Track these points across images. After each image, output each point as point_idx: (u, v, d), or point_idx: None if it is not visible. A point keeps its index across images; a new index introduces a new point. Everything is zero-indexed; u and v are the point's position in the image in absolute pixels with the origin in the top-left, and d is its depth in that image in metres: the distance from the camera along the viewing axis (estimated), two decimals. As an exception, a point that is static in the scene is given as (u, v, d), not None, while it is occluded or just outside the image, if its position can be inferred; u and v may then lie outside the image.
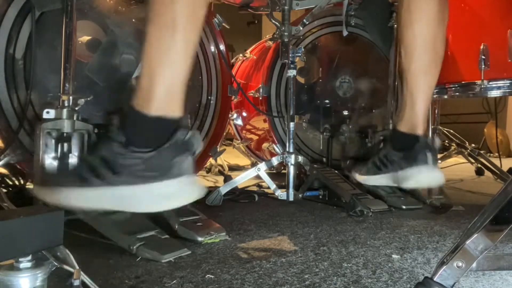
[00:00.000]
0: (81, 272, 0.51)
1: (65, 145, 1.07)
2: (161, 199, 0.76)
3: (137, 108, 0.79)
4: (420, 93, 1.23)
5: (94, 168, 0.77)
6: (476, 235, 0.48)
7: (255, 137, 2.02)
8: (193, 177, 0.79)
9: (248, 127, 2.02)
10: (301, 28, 1.49)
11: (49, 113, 1.05)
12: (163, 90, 0.79)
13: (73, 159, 1.15)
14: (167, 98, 0.79)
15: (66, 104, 1.06)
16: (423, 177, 1.18)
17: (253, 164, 2.07)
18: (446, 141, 2.29)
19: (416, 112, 1.23)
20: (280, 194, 1.40)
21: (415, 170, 1.19)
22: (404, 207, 1.30)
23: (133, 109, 0.79)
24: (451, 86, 1.51)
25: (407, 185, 1.22)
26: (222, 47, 1.54)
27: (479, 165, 2.24)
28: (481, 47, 1.37)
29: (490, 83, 1.39)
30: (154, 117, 0.78)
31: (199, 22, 0.80)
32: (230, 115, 1.94)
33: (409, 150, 1.21)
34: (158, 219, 0.92)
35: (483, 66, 1.36)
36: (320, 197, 1.48)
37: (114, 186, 0.75)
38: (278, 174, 1.90)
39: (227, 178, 1.66)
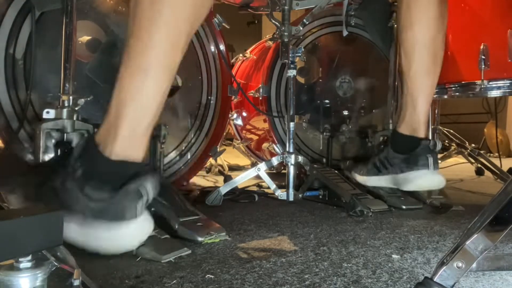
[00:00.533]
0: (81, 272, 0.51)
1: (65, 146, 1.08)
2: (106, 241, 0.75)
3: (99, 147, 0.78)
4: (420, 95, 1.23)
5: (46, 200, 0.76)
6: (476, 235, 0.48)
7: (255, 137, 2.02)
8: (142, 217, 0.77)
9: (248, 127, 2.03)
10: (301, 28, 1.49)
11: (49, 113, 1.05)
12: (128, 133, 0.77)
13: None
14: (131, 142, 0.77)
15: (66, 104, 1.06)
16: (423, 181, 1.19)
17: (253, 164, 2.07)
18: (446, 141, 2.29)
19: (417, 113, 1.23)
20: (280, 194, 1.40)
21: (415, 174, 1.19)
22: (404, 207, 1.30)
23: (94, 146, 0.78)
24: (451, 86, 1.51)
25: (407, 188, 1.23)
26: (222, 47, 1.54)
27: (479, 165, 2.24)
28: (481, 47, 1.37)
29: (490, 83, 1.39)
30: (114, 161, 0.76)
31: (173, 71, 0.79)
32: (230, 115, 1.94)
33: (410, 153, 1.21)
34: (158, 219, 0.92)
35: (483, 66, 1.36)
36: (320, 197, 1.48)
37: (67, 220, 0.73)
38: (278, 174, 1.90)
39: (227, 178, 1.66)
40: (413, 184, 1.21)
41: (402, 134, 1.26)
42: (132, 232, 0.77)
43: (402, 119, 1.28)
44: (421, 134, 1.23)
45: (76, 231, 0.74)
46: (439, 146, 1.22)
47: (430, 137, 1.78)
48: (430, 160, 1.18)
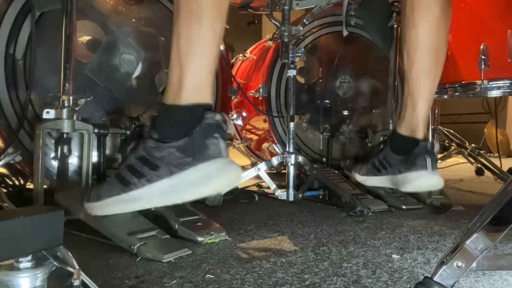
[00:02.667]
0: (81, 272, 0.51)
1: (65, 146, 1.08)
2: (202, 183, 0.76)
3: (168, 102, 0.80)
4: (421, 96, 1.23)
5: (134, 169, 0.78)
6: (476, 235, 0.48)
7: (255, 137, 2.02)
8: (229, 159, 0.79)
9: (248, 127, 2.03)
10: (301, 28, 1.49)
11: (49, 113, 1.05)
12: (193, 79, 0.80)
13: (73, 159, 1.16)
14: (197, 87, 0.80)
15: (66, 104, 1.06)
16: (422, 182, 1.19)
17: (253, 164, 2.07)
18: (446, 141, 2.29)
19: (417, 114, 1.23)
20: (280, 194, 1.40)
21: (414, 175, 1.19)
22: (404, 207, 1.30)
23: (164, 104, 0.81)
24: (451, 86, 1.51)
25: (406, 189, 1.23)
26: (222, 47, 1.54)
27: (479, 165, 2.24)
28: (481, 47, 1.37)
29: (490, 83, 1.39)
30: (185, 106, 0.79)
31: (224, 11, 0.82)
32: (230, 115, 1.95)
33: (409, 154, 1.21)
34: (158, 219, 0.92)
35: (483, 66, 1.36)
36: (320, 197, 1.48)
37: (156, 181, 0.76)
38: (278, 174, 1.90)
39: (227, 178, 1.65)
40: (411, 185, 1.21)
41: (401, 135, 1.26)
42: (220, 169, 0.77)
43: (401, 119, 1.28)
44: (419, 135, 1.23)
45: (168, 189, 0.76)
46: (437, 147, 1.22)
47: (430, 137, 1.79)
48: (429, 160, 1.18)
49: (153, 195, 0.77)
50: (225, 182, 0.78)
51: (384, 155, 1.31)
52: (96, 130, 1.14)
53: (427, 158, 1.18)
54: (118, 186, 0.78)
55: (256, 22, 5.77)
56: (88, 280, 0.54)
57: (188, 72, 0.80)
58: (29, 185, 1.27)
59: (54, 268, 0.51)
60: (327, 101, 1.80)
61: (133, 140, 0.84)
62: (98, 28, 1.29)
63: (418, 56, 1.23)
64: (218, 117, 0.78)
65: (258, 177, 1.42)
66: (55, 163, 1.11)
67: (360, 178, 1.39)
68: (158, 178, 0.76)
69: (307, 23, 1.55)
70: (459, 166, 2.51)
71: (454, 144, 2.27)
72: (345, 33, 1.70)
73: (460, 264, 0.48)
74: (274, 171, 1.93)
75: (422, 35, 1.21)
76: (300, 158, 1.43)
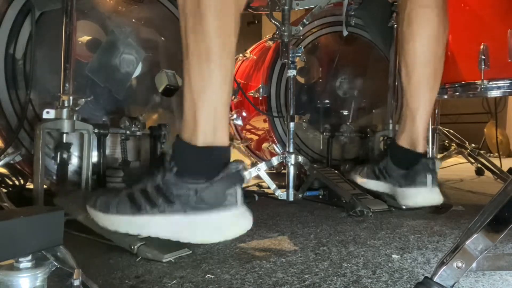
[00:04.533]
0: (81, 272, 0.51)
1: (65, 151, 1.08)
2: (212, 230, 0.78)
3: (185, 139, 0.81)
4: (420, 108, 1.24)
5: (149, 196, 0.78)
6: (476, 235, 0.48)
7: (255, 137, 2.02)
8: (244, 208, 0.80)
9: (248, 127, 2.02)
10: (301, 28, 1.49)
11: (49, 113, 1.05)
12: (208, 120, 0.80)
13: (73, 159, 1.16)
14: (212, 128, 0.80)
15: (66, 104, 1.07)
16: (421, 199, 1.21)
17: (253, 164, 2.07)
18: (446, 141, 2.29)
19: (416, 127, 1.24)
20: (280, 194, 1.40)
21: (413, 191, 1.21)
22: (404, 207, 1.30)
23: (181, 141, 0.81)
24: (451, 86, 1.51)
25: (405, 204, 1.25)
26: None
27: (479, 165, 2.24)
28: (481, 47, 1.37)
29: (490, 83, 1.39)
30: (202, 148, 0.79)
31: (232, 51, 0.82)
32: (230, 115, 1.95)
33: (409, 169, 1.22)
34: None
35: (483, 66, 1.36)
36: (320, 197, 1.48)
37: (168, 215, 0.77)
38: (278, 174, 1.90)
39: (227, 178, 1.65)
40: (410, 201, 1.23)
41: (402, 147, 1.27)
42: (232, 220, 0.78)
43: (401, 131, 1.29)
44: (420, 148, 1.24)
45: (178, 226, 0.77)
46: (438, 165, 1.23)
47: (430, 137, 1.79)
48: (429, 178, 1.19)
49: (161, 226, 0.78)
50: (234, 233, 0.80)
51: (384, 165, 1.32)
52: (96, 130, 1.15)
53: (427, 175, 1.19)
54: (128, 206, 0.79)
55: (256, 22, 5.77)
56: (88, 280, 0.54)
57: (202, 112, 0.80)
58: (29, 185, 1.27)
59: (54, 268, 0.51)
60: (327, 101, 1.80)
61: (154, 164, 0.84)
62: (98, 28, 1.29)
63: (417, 70, 1.23)
64: (240, 166, 0.79)
65: (258, 177, 1.42)
66: (55, 164, 1.11)
67: (360, 180, 1.40)
68: (171, 212, 0.77)
69: (307, 23, 1.55)
70: (459, 166, 2.51)
71: (454, 144, 2.27)
72: (345, 33, 1.71)
73: (460, 264, 0.48)
74: (274, 171, 1.93)
75: (420, 49, 1.22)
76: (300, 158, 1.43)
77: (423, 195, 1.20)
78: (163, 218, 0.77)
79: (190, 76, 0.81)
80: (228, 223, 0.78)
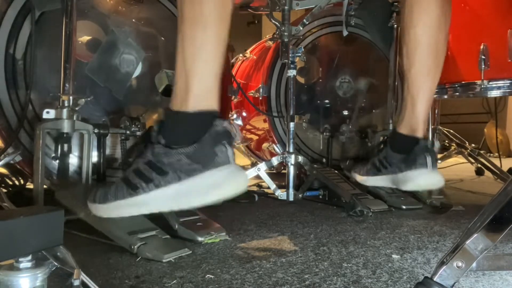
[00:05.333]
0: (81, 272, 0.51)
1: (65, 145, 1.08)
2: (210, 189, 0.77)
3: (175, 108, 0.81)
4: (420, 95, 1.23)
5: (142, 173, 0.78)
6: (476, 235, 0.48)
7: (255, 137, 2.02)
8: (237, 166, 0.80)
9: (248, 127, 2.02)
10: (301, 28, 1.49)
11: (49, 113, 1.05)
12: (200, 85, 0.80)
13: (73, 159, 1.16)
14: (204, 93, 0.81)
15: (66, 104, 1.07)
16: (422, 180, 1.19)
17: (253, 164, 2.07)
18: (446, 141, 2.29)
19: (417, 114, 1.23)
20: (280, 194, 1.40)
21: (414, 173, 1.19)
22: (404, 207, 1.30)
23: (171, 111, 0.81)
24: (451, 86, 1.51)
25: (406, 187, 1.23)
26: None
27: (479, 165, 2.24)
28: (481, 47, 1.37)
29: (490, 83, 1.39)
30: (193, 112, 0.79)
31: (227, 17, 0.82)
32: (230, 115, 1.94)
33: (409, 153, 1.21)
34: (158, 219, 0.92)
35: (483, 66, 1.36)
36: (320, 197, 1.48)
37: (164, 186, 0.77)
38: (278, 174, 1.90)
39: (227, 178, 1.65)
40: (412, 183, 1.21)
41: (401, 134, 1.26)
42: (227, 176, 0.78)
43: (401, 119, 1.28)
44: (419, 134, 1.23)
45: (176, 195, 0.77)
46: (437, 145, 1.22)
47: (430, 137, 1.79)
48: (429, 159, 1.18)
49: (160, 200, 0.77)
50: (232, 189, 0.79)
51: (384, 154, 1.31)
52: (96, 130, 1.14)
53: (427, 156, 1.18)
54: (125, 189, 0.79)
55: (256, 22, 5.77)
56: (88, 280, 0.54)
57: (194, 78, 0.80)
58: (29, 185, 1.27)
59: (54, 268, 0.51)
60: (327, 101, 1.80)
61: (140, 144, 0.84)
62: (98, 28, 1.29)
63: (418, 56, 1.23)
64: (226, 124, 0.79)
65: (258, 177, 1.42)
66: (55, 163, 1.11)
67: (360, 178, 1.39)
68: (166, 183, 0.77)
69: (307, 23, 1.55)
70: (459, 166, 2.51)
71: (454, 144, 2.27)
72: (345, 33, 1.70)
73: (460, 264, 0.48)
74: (274, 171, 1.93)
75: (421, 35, 1.21)
76: (300, 158, 1.43)
77: (425, 177, 1.18)
78: (160, 191, 0.77)
79: (184, 42, 0.81)
80: (223, 180, 0.77)
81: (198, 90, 0.80)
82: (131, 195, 0.78)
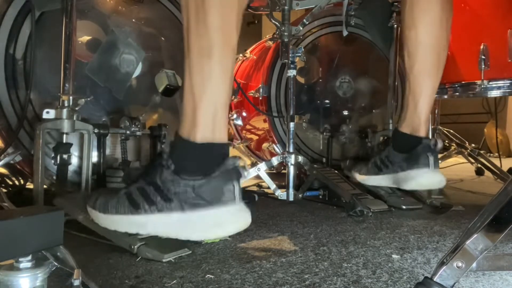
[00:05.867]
0: (81, 272, 0.51)
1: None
2: (211, 227, 0.77)
3: (184, 136, 0.80)
4: (422, 95, 1.23)
5: (147, 194, 0.78)
6: (476, 235, 0.48)
7: (255, 137, 2.02)
8: (242, 205, 0.80)
9: (248, 127, 2.03)
10: (301, 28, 1.49)
11: (49, 113, 1.05)
12: (207, 117, 0.80)
13: (73, 159, 1.16)
14: (212, 125, 0.80)
15: (66, 104, 1.07)
16: (424, 179, 1.19)
17: (253, 164, 2.07)
18: (446, 141, 2.29)
19: (418, 113, 1.23)
20: (280, 194, 1.40)
21: (416, 173, 1.19)
22: (404, 207, 1.30)
23: (180, 138, 0.81)
24: (451, 86, 1.51)
25: (408, 187, 1.23)
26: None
27: (479, 165, 2.23)
28: (481, 47, 1.37)
29: (490, 83, 1.39)
30: (201, 144, 0.79)
31: (233, 48, 0.82)
32: (230, 115, 1.94)
33: (411, 152, 1.21)
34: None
35: (483, 66, 1.36)
36: (320, 197, 1.48)
37: (166, 213, 0.77)
38: (278, 174, 1.90)
39: (227, 178, 1.65)
40: (413, 183, 1.21)
41: (403, 133, 1.26)
42: (231, 216, 0.78)
43: (403, 118, 1.28)
44: (421, 133, 1.23)
45: (176, 224, 0.77)
46: (440, 145, 1.22)
47: (431, 137, 1.79)
48: (431, 159, 1.18)
49: (159, 225, 0.77)
50: (234, 228, 0.80)
51: (386, 153, 1.31)
52: (96, 130, 1.15)
53: (429, 156, 1.18)
54: (127, 206, 0.79)
55: (256, 22, 5.77)
56: (88, 280, 0.54)
57: (201, 109, 0.79)
58: (29, 185, 1.27)
59: (54, 268, 0.51)
60: (327, 101, 1.80)
61: (152, 163, 0.84)
62: (98, 28, 1.29)
63: (419, 56, 1.23)
64: (237, 162, 0.79)
65: (258, 177, 1.42)
66: (55, 164, 1.11)
67: (360, 177, 1.39)
68: (168, 210, 0.77)
69: (307, 23, 1.55)
70: (459, 166, 2.51)
71: (454, 144, 2.27)
72: (345, 33, 1.71)
73: (460, 264, 0.48)
74: (274, 171, 1.93)
75: (422, 35, 1.21)
76: (300, 158, 1.43)
77: (426, 176, 1.18)
78: (161, 216, 0.77)
79: (191, 73, 0.81)
80: (226, 219, 0.78)
81: (206, 122, 0.80)
82: (131, 212, 0.78)
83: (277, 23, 1.46)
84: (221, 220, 0.77)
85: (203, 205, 0.76)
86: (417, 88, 1.24)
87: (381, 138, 1.64)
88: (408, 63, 1.26)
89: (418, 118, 1.23)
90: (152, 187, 0.78)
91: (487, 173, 2.20)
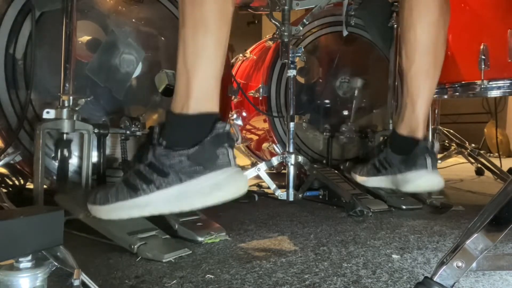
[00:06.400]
0: (81, 272, 0.51)
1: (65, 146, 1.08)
2: (211, 191, 0.77)
3: (176, 111, 0.81)
4: (420, 96, 1.24)
5: (143, 175, 0.78)
6: (476, 235, 0.48)
7: (255, 137, 2.02)
8: (238, 168, 0.80)
9: (248, 127, 2.03)
10: (301, 28, 1.49)
11: (49, 113, 1.05)
12: (200, 88, 0.81)
13: (73, 159, 1.16)
14: (205, 96, 0.81)
15: (66, 104, 1.06)
16: (422, 181, 1.19)
17: (253, 164, 2.07)
18: (446, 141, 2.29)
19: (416, 115, 1.24)
20: (280, 194, 1.40)
21: (414, 175, 1.20)
22: (404, 207, 1.30)
23: (172, 113, 0.82)
24: (451, 86, 1.51)
25: (406, 189, 1.23)
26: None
27: (479, 165, 2.24)
28: (481, 47, 1.37)
29: (490, 83, 1.39)
30: (193, 115, 0.80)
31: (228, 20, 0.83)
32: (230, 115, 1.94)
33: (409, 154, 1.21)
34: (158, 220, 0.92)
35: (483, 66, 1.36)
36: (320, 197, 1.48)
37: (165, 188, 0.77)
38: (278, 174, 1.90)
39: (227, 178, 1.65)
40: (412, 185, 1.21)
41: (401, 135, 1.26)
42: (228, 178, 0.78)
43: (401, 120, 1.28)
44: (419, 135, 1.24)
45: (177, 197, 0.77)
46: (437, 146, 1.23)
47: (430, 138, 1.79)
48: (429, 160, 1.18)
49: (161, 201, 0.78)
50: (234, 191, 0.80)
51: (384, 155, 1.31)
52: (96, 130, 1.14)
53: (427, 157, 1.18)
54: (126, 191, 0.79)
55: (256, 22, 5.77)
56: (88, 280, 0.54)
57: (195, 80, 0.80)
58: (29, 185, 1.27)
59: (54, 268, 0.51)
60: (327, 101, 1.80)
61: (143, 145, 0.84)
62: (98, 28, 1.29)
63: (417, 57, 1.23)
64: (227, 127, 0.79)
65: (258, 177, 1.42)
66: (55, 163, 1.11)
67: (360, 179, 1.39)
68: (167, 184, 0.77)
69: (307, 23, 1.55)
70: (459, 166, 2.51)
71: (454, 144, 2.27)
72: (345, 33, 1.71)
73: (460, 264, 0.48)
74: (274, 171, 1.93)
75: (420, 36, 1.22)
76: (300, 158, 1.43)
77: (425, 178, 1.19)
78: (161, 192, 0.77)
79: (185, 45, 0.81)
80: (224, 181, 0.78)
81: (199, 93, 0.81)
82: (131, 196, 0.78)
83: (277, 23, 1.46)
84: (219, 183, 0.77)
85: (200, 171, 0.76)
86: (415, 90, 1.24)
87: (381, 138, 1.64)
88: (405, 65, 1.26)
89: (416, 119, 1.24)
90: (147, 167, 0.78)
91: (487, 173, 2.20)
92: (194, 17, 0.80)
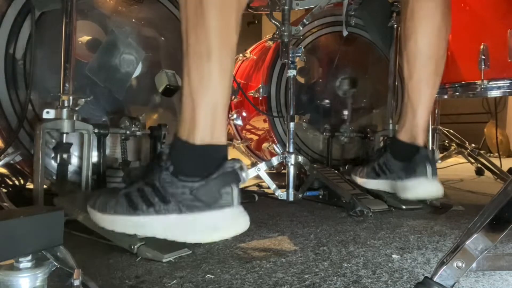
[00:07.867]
0: (81, 272, 0.51)
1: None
2: (208, 230, 0.77)
3: (183, 138, 0.80)
4: (420, 104, 1.24)
5: (145, 195, 0.78)
6: (476, 235, 0.48)
7: (255, 137, 2.02)
8: (240, 208, 0.79)
9: (248, 127, 2.03)
10: (301, 28, 1.49)
11: (49, 113, 1.05)
12: (206, 118, 0.79)
13: (73, 159, 1.16)
14: (211, 126, 0.80)
15: (66, 104, 1.07)
16: (421, 189, 1.20)
17: (253, 164, 2.07)
18: (446, 141, 2.29)
19: (417, 121, 1.24)
20: (280, 194, 1.40)
21: (414, 182, 1.20)
22: (404, 207, 1.30)
23: (179, 139, 0.80)
24: (451, 86, 1.51)
25: (406, 196, 1.24)
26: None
27: (479, 165, 2.24)
28: (481, 47, 1.37)
29: (490, 83, 1.39)
30: (199, 146, 0.79)
31: (233, 50, 0.82)
32: (230, 115, 1.95)
33: (409, 161, 1.22)
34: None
35: (483, 66, 1.36)
36: (320, 197, 1.48)
37: (163, 214, 0.76)
38: (278, 174, 1.90)
39: (227, 178, 1.65)
40: (411, 192, 1.22)
41: (402, 141, 1.27)
42: (228, 220, 0.77)
43: (401, 126, 1.29)
44: (420, 142, 1.24)
45: (174, 226, 0.76)
46: (437, 155, 1.24)
47: (430, 138, 1.79)
48: (429, 168, 1.19)
49: (157, 226, 0.77)
50: (231, 232, 0.80)
51: (384, 160, 1.32)
52: (96, 130, 1.15)
53: (427, 165, 1.19)
54: (125, 206, 0.79)
55: (256, 22, 5.77)
56: (88, 280, 0.54)
57: (201, 108, 0.79)
58: (29, 185, 1.27)
59: (54, 268, 0.51)
60: (327, 101, 1.80)
61: (151, 164, 0.83)
62: (98, 28, 1.29)
63: (418, 65, 1.23)
64: (236, 165, 0.78)
65: (258, 177, 1.42)
66: (55, 163, 1.11)
67: (360, 180, 1.40)
68: (166, 211, 0.76)
69: (307, 23, 1.55)
70: (459, 166, 2.51)
71: (454, 144, 2.27)
72: (345, 33, 1.71)
73: (460, 264, 0.48)
74: (274, 171, 1.93)
75: (422, 44, 1.22)
76: (300, 158, 1.43)
77: (424, 186, 1.19)
78: (159, 218, 0.77)
79: (190, 75, 0.80)
80: (223, 223, 0.77)
81: (205, 123, 0.79)
82: (130, 213, 0.78)
83: (277, 23, 1.46)
84: (218, 224, 0.77)
85: (201, 208, 0.76)
86: (416, 97, 1.25)
87: (381, 138, 1.64)
88: (406, 73, 1.27)
89: (417, 126, 1.24)
90: (150, 188, 0.78)
91: (487, 173, 2.20)
92: (199, 48, 0.79)
